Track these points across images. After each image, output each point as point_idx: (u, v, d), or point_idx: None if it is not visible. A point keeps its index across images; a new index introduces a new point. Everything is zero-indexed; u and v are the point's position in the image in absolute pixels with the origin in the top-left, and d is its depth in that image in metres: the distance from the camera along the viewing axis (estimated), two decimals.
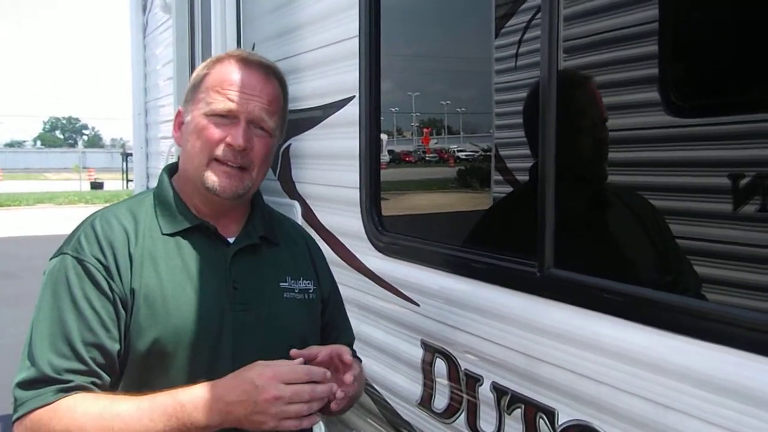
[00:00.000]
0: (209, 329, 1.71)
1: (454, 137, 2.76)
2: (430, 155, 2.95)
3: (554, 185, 1.80)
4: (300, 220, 3.11)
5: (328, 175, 2.92)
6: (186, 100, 1.83)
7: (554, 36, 1.78)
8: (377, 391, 2.58)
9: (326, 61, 2.89)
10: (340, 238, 2.82)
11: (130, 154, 10.67)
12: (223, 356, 1.72)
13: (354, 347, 2.64)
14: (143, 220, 1.77)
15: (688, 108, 2.06)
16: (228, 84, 1.76)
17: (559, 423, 1.74)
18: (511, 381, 1.91)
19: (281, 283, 1.85)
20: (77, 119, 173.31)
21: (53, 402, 1.58)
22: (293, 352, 1.69)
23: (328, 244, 2.90)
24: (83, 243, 1.70)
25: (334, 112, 2.83)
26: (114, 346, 1.66)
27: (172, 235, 1.76)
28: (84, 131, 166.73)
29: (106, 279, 1.67)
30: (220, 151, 1.75)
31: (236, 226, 1.85)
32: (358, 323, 2.68)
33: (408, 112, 2.84)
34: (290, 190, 3.23)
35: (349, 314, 2.73)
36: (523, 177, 2.47)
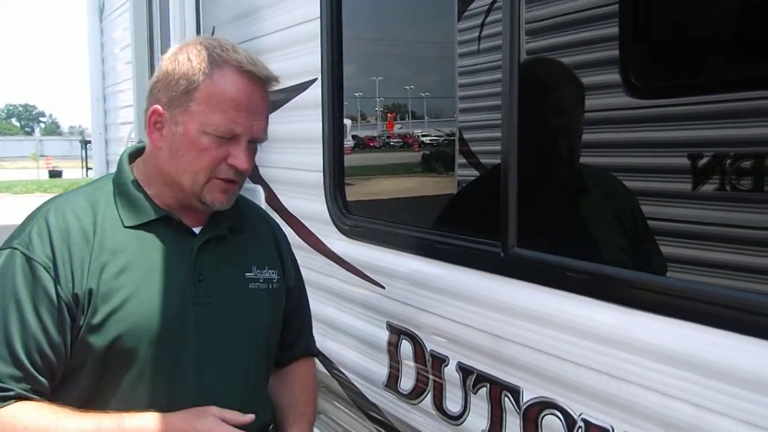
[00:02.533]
0: (171, 324, 1.67)
1: (419, 122, 2.76)
2: (395, 140, 2.95)
3: (517, 166, 1.80)
4: (263, 204, 3.09)
5: (292, 158, 2.90)
6: (172, 103, 1.67)
7: (516, 19, 1.78)
8: (344, 374, 2.58)
9: (288, 44, 2.86)
10: (304, 222, 2.81)
11: (90, 142, 10.49)
12: (187, 349, 1.69)
13: (320, 332, 2.66)
14: (102, 211, 1.69)
15: (648, 89, 2.09)
16: (232, 104, 1.65)
17: (524, 401, 1.76)
18: (476, 361, 1.93)
19: (246, 274, 1.82)
20: (34, 106, 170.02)
21: None
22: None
23: (292, 227, 2.88)
24: (34, 239, 1.62)
25: (296, 95, 2.80)
26: (56, 352, 1.60)
27: (134, 227, 1.70)
28: (41, 118, 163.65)
29: (54, 281, 1.59)
30: (222, 171, 1.69)
31: (202, 216, 1.78)
32: (324, 307, 2.68)
33: (372, 96, 2.83)
34: (253, 173, 3.20)
35: (314, 298, 2.73)
36: (486, 160, 2.48)
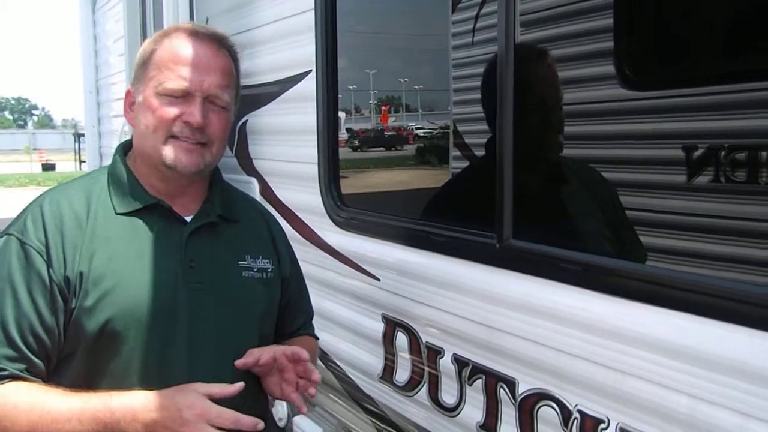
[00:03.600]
0: (162, 308, 1.69)
1: (413, 115, 2.75)
2: (389, 133, 2.94)
3: (512, 158, 1.80)
4: (258, 197, 3.08)
5: (286, 150, 2.89)
6: (135, 79, 1.77)
7: (511, 10, 1.77)
8: (339, 366, 2.59)
9: (282, 35, 2.85)
10: (298, 214, 2.80)
11: (83, 135, 10.44)
12: (179, 334, 1.70)
13: (315, 324, 2.64)
14: (95, 200, 1.73)
15: (642, 81, 2.08)
16: (179, 61, 1.72)
17: (520, 392, 1.76)
18: (471, 352, 1.93)
19: (240, 262, 1.83)
20: (27, 99, 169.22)
21: None
22: (238, 362, 1.68)
23: (286, 220, 2.88)
24: (29, 225, 1.67)
25: (291, 87, 2.80)
26: (50, 334, 1.63)
27: (126, 214, 1.72)
28: (34, 111, 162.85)
29: (46, 265, 1.63)
30: (177, 128, 1.71)
31: (194, 205, 1.81)
32: (319, 299, 2.67)
33: (366, 89, 2.82)
34: (247, 166, 3.20)
35: (310, 290, 2.73)
36: (481, 152, 2.48)
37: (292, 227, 2.83)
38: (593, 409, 1.56)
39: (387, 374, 2.29)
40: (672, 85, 2.01)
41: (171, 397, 1.59)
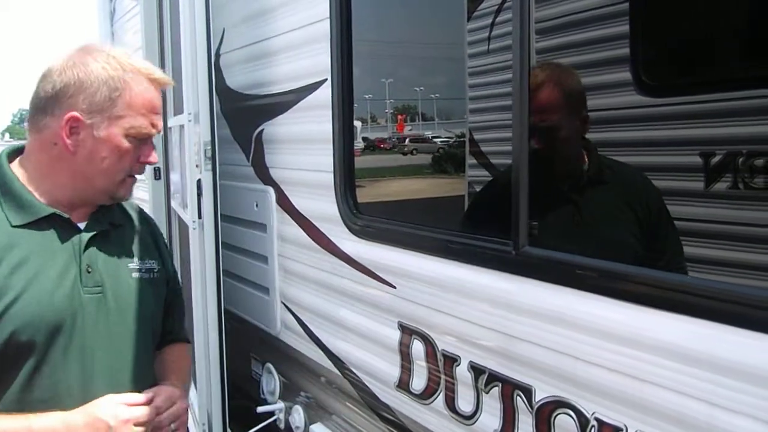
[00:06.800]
0: (64, 314, 1.76)
1: (429, 123, 2.76)
2: (405, 143, 2.95)
3: (528, 165, 1.80)
4: (274, 206, 3.09)
5: (302, 159, 2.90)
6: (92, 110, 1.77)
7: (526, 18, 1.77)
8: (355, 374, 2.58)
9: (297, 45, 2.86)
10: (314, 223, 2.80)
11: None
12: (78, 337, 1.78)
13: (331, 332, 2.67)
14: None
15: (659, 87, 2.07)
16: (152, 108, 1.84)
17: (537, 400, 1.75)
18: (488, 360, 1.92)
19: (130, 264, 1.94)
20: None
21: None
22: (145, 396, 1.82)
23: (302, 228, 2.89)
24: None
25: (306, 96, 2.80)
26: None
27: (22, 226, 1.77)
28: None
29: None
30: (136, 168, 1.88)
31: (86, 212, 1.88)
32: (335, 307, 2.68)
33: (381, 98, 2.83)
34: (264, 175, 3.21)
35: (325, 298, 2.74)
36: (497, 160, 2.47)
37: (308, 236, 2.83)
38: (611, 417, 1.55)
39: (403, 382, 2.29)
40: (689, 91, 2.00)
41: (92, 413, 1.71)
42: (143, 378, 1.92)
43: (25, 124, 1.93)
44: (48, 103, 1.79)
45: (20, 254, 1.74)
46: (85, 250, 1.82)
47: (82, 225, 1.86)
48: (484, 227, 2.11)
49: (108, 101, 1.77)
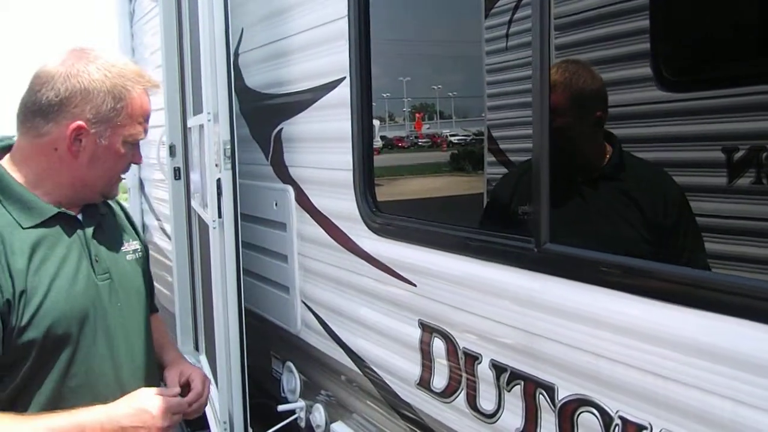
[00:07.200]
0: (87, 303, 1.90)
1: (447, 122, 2.75)
2: (423, 140, 2.94)
3: (549, 162, 1.79)
4: (293, 204, 3.10)
5: (321, 157, 2.90)
6: (98, 119, 1.88)
7: (546, 14, 1.76)
8: (376, 372, 2.58)
9: (315, 43, 2.86)
10: (334, 221, 2.81)
11: None
12: (101, 322, 1.93)
13: (351, 330, 2.69)
14: None
15: (680, 82, 2.06)
16: (146, 116, 2.00)
17: (559, 398, 1.74)
18: (509, 358, 1.91)
19: (122, 249, 2.10)
20: None
21: None
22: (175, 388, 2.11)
23: (322, 227, 2.89)
24: None
25: (325, 94, 2.80)
26: None
27: (33, 227, 1.85)
28: None
29: None
30: (126, 169, 2.06)
31: (79, 207, 2.01)
32: (355, 305, 2.68)
33: (399, 97, 2.82)
34: (283, 174, 3.22)
35: (345, 296, 2.74)
36: (516, 157, 2.47)
37: (328, 234, 2.84)
38: (635, 415, 1.53)
39: (424, 380, 2.28)
40: (710, 86, 1.98)
41: (133, 405, 1.88)
42: (150, 351, 2.14)
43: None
44: (50, 109, 1.85)
45: (40, 254, 1.83)
46: (89, 242, 1.96)
47: (79, 216, 1.99)
48: (505, 224, 2.11)
49: (113, 111, 1.89)
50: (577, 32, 2.20)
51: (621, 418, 1.57)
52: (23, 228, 1.83)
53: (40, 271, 1.81)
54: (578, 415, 1.68)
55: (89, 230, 1.97)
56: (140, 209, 6.09)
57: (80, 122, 1.86)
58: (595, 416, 1.63)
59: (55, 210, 1.90)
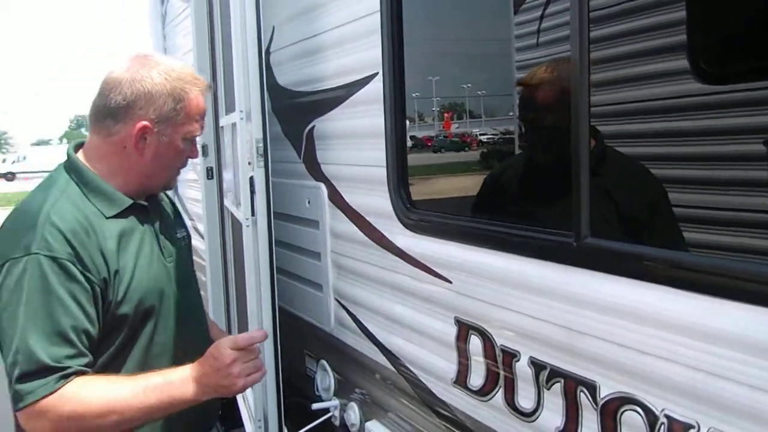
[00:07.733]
0: (163, 281, 2.17)
1: (476, 121, 2.72)
2: (452, 139, 2.92)
3: (587, 156, 1.75)
4: (326, 202, 3.09)
5: (354, 154, 2.89)
6: (160, 119, 2.10)
7: (585, 5, 1.73)
8: (411, 371, 2.56)
9: (347, 39, 2.85)
10: (367, 218, 2.79)
11: None
12: (174, 298, 2.20)
13: (386, 328, 2.73)
14: (83, 209, 2.04)
15: (718, 75, 2.01)
16: (202, 114, 2.21)
17: (601, 396, 1.70)
18: (549, 355, 1.88)
19: (177, 234, 2.34)
20: None
21: (58, 389, 1.85)
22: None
23: (355, 224, 2.88)
24: (51, 241, 1.92)
25: (357, 90, 2.79)
26: (95, 329, 1.97)
27: (114, 216, 2.09)
28: None
29: (81, 271, 1.93)
30: (184, 163, 2.28)
31: (143, 197, 2.23)
32: (390, 303, 2.67)
33: (428, 96, 2.80)
34: (315, 172, 3.21)
35: (379, 294, 2.73)
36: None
37: (362, 231, 2.82)
38: (682, 414, 1.49)
39: (461, 378, 2.26)
40: (749, 78, 1.94)
41: (214, 354, 2.02)
42: (206, 322, 2.46)
43: (82, 128, 2.10)
44: (119, 111, 2.08)
45: (123, 239, 2.08)
46: (156, 229, 2.22)
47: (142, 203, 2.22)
48: (543, 218, 2.08)
49: (173, 111, 2.10)
50: (613, 24, 2.16)
51: (667, 416, 1.53)
52: (106, 217, 2.06)
53: (124, 254, 2.06)
54: (621, 414, 1.65)
55: (155, 218, 2.23)
56: None
57: (145, 122, 2.08)
58: (640, 415, 1.60)
59: (131, 201, 2.14)
